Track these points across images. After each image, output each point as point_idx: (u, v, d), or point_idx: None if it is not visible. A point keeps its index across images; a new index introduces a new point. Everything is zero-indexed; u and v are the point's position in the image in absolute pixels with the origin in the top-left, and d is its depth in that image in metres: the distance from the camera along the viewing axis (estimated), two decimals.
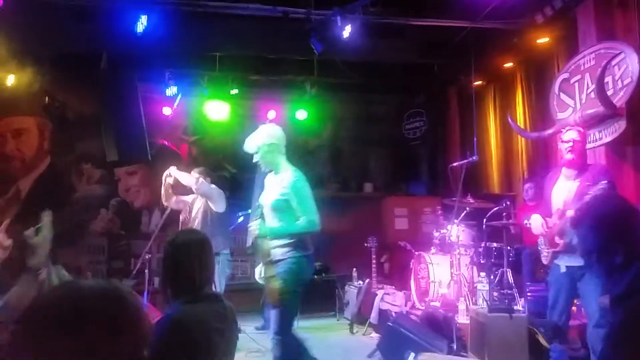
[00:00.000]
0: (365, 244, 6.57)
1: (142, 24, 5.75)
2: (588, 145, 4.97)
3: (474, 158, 5.38)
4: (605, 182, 3.34)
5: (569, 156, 3.76)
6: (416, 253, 5.86)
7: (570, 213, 3.51)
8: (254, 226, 3.40)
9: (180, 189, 5.32)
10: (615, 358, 1.65)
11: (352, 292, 6.66)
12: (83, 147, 8.12)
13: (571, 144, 3.76)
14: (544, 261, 3.85)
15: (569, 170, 3.79)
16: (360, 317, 6.20)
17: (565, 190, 3.75)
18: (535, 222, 3.87)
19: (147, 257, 5.12)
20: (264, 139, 3.61)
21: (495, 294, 4.45)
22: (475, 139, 7.26)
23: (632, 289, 1.67)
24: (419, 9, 6.30)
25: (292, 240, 3.36)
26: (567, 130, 3.92)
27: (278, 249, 3.36)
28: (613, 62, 4.71)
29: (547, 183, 4.00)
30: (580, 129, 3.99)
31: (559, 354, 3.05)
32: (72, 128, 8.12)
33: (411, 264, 5.88)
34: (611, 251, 1.71)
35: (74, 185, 8.12)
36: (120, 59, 6.96)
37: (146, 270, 5.10)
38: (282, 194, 3.46)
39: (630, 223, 1.76)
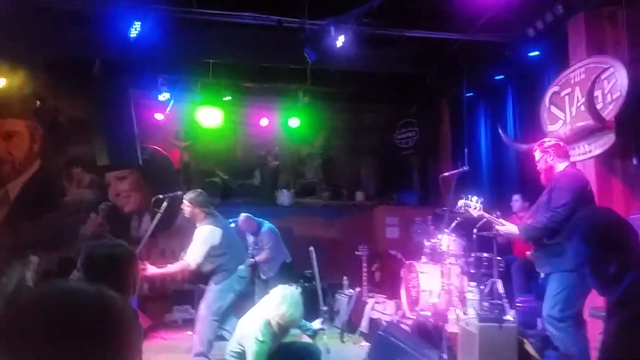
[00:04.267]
0: (356, 253, 6.58)
1: (135, 29, 5.76)
2: (578, 158, 5.05)
3: (465, 168, 5.42)
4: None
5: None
6: (407, 262, 5.87)
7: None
8: None
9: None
10: None
11: (342, 300, 6.65)
12: (73, 151, 8.09)
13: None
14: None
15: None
16: (351, 326, 6.19)
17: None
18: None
19: None
20: None
21: (485, 304, 4.47)
22: (466, 149, 7.32)
23: (626, 297, 1.70)
24: (413, 21, 6.35)
25: None
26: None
27: None
28: (602, 76, 4.78)
29: None
30: (539, 146, 4.12)
31: None
32: (63, 132, 8.09)
33: (402, 273, 5.89)
34: (605, 262, 1.75)
35: (63, 189, 8.07)
36: (114, 64, 6.95)
37: None
38: None
39: (622, 234, 1.79)
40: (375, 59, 7.63)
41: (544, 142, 4.12)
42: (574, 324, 3.46)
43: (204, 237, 4.86)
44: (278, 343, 3.75)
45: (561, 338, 3.37)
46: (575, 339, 3.42)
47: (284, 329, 3.72)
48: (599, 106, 4.77)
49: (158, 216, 5.17)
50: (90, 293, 1.12)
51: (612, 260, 1.73)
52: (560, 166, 3.95)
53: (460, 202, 4.46)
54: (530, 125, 6.50)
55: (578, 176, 3.88)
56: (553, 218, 3.65)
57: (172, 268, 4.94)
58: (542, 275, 4.20)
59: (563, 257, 3.44)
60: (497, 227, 4.30)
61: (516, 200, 6.05)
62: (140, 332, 1.22)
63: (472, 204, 4.29)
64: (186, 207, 5.00)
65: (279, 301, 3.63)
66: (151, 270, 4.68)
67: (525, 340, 3.34)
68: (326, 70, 7.65)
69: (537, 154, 4.05)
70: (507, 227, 4.19)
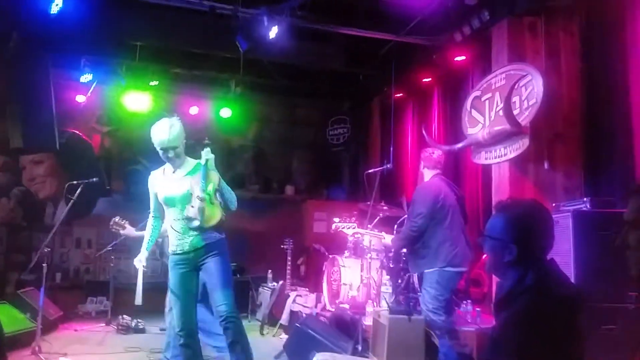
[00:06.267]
0: (282, 246, 6.57)
1: (57, 5, 5.45)
2: (493, 161, 5.28)
3: (389, 166, 5.51)
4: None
5: None
6: (330, 256, 5.93)
7: None
8: None
9: None
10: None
11: (265, 293, 6.64)
12: None
13: None
14: None
15: None
16: (272, 319, 6.18)
17: None
18: None
19: (46, 250, 4.79)
20: (182, 134, 3.47)
21: (401, 297, 4.59)
22: (392, 148, 7.48)
23: (512, 295, 1.77)
24: (347, 18, 6.40)
25: None
26: None
27: None
28: (521, 83, 5.00)
29: None
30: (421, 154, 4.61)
31: (447, 349, 3.21)
32: None
33: (324, 266, 5.95)
34: (505, 249, 1.80)
35: None
36: (33, 40, 6.54)
37: (44, 265, 4.77)
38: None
39: (535, 232, 1.82)
40: (310, 54, 7.63)
41: (424, 151, 4.54)
42: (444, 312, 3.82)
43: None
44: None
45: (442, 326, 3.70)
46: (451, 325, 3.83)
47: None
48: (515, 112, 4.98)
49: (71, 203, 4.94)
50: None
51: (512, 252, 1.78)
52: (427, 176, 4.32)
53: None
54: (453, 127, 6.73)
55: (431, 188, 4.20)
56: (412, 227, 4.06)
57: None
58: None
59: (426, 259, 3.98)
60: (381, 241, 4.84)
61: None
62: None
63: (349, 225, 5.32)
64: None
65: None
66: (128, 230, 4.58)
67: (432, 332, 3.47)
68: (260, 61, 7.58)
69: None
70: (387, 240, 4.76)
